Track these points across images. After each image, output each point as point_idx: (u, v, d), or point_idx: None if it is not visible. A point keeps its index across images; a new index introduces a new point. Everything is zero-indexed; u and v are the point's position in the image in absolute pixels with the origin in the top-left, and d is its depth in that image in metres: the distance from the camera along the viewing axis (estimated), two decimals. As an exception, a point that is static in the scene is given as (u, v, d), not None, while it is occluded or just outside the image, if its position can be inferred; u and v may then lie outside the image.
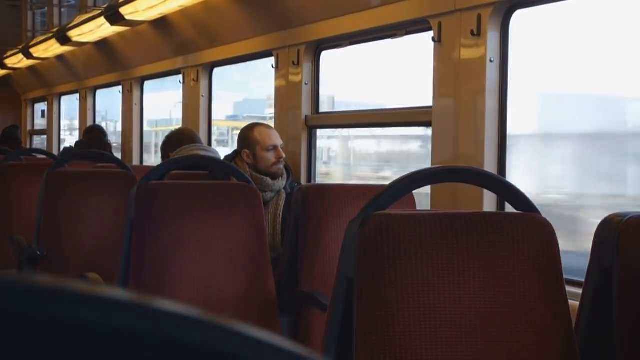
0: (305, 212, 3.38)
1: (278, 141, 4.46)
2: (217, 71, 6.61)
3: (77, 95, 10.14)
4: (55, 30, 9.60)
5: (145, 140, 8.32)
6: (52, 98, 11.44)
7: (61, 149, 10.07)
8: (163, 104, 8.73)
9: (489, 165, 3.63)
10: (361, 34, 4.65)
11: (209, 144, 6.58)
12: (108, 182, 4.45)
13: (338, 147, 6.31)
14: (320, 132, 5.33)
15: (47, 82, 11.56)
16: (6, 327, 0.37)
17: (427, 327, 1.88)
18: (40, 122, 13.10)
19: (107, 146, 7.58)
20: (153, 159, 8.31)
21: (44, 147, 11.54)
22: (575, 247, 3.51)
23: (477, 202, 3.59)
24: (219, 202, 3.29)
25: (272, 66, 5.37)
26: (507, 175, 3.72)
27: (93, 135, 7.80)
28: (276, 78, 5.34)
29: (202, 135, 6.35)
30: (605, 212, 2.11)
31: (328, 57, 5.08)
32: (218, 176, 4.13)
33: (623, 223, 1.97)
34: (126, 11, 6.77)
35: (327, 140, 6.08)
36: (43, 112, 12.66)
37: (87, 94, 9.79)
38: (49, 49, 9.61)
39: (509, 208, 2.20)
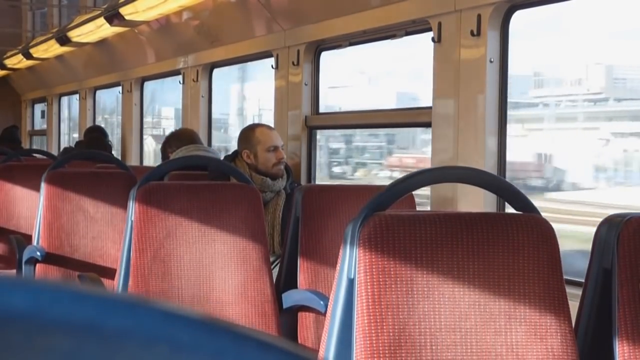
0: (305, 212, 3.38)
1: (279, 142, 4.46)
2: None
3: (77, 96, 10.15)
4: (55, 30, 9.60)
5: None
6: (52, 98, 11.44)
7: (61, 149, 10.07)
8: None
9: (489, 165, 3.63)
10: (361, 34, 4.65)
11: (209, 144, 6.58)
12: (108, 182, 4.45)
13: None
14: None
15: (46, 83, 11.56)
16: (6, 328, 0.37)
17: (427, 327, 1.88)
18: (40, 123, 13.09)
19: (107, 146, 7.59)
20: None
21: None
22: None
23: (477, 202, 3.59)
24: (219, 202, 3.29)
25: (272, 66, 5.37)
26: (507, 175, 3.73)
27: (93, 135, 7.81)
28: (276, 78, 5.34)
29: (202, 135, 6.35)
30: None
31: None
32: (217, 176, 4.13)
33: (623, 223, 1.97)
34: (126, 11, 6.77)
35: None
36: (43, 112, 12.66)
37: (87, 94, 9.79)
38: (49, 50, 9.62)
39: (509, 208, 2.20)
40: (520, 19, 3.61)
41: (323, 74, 5.10)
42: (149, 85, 8.25)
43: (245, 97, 7.84)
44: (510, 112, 3.63)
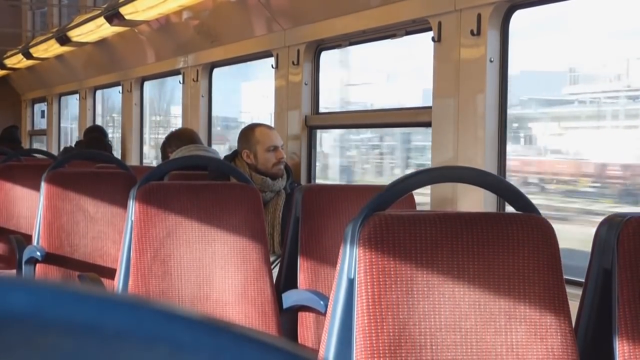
0: (305, 212, 3.38)
1: (278, 142, 4.47)
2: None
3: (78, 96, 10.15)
4: (55, 30, 9.60)
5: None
6: (52, 98, 11.44)
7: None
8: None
9: (489, 165, 3.63)
10: (361, 34, 4.65)
11: (209, 144, 6.58)
12: (108, 182, 4.45)
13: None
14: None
15: (46, 83, 11.56)
16: (6, 328, 0.37)
17: (427, 327, 1.88)
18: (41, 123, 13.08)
19: (107, 146, 7.59)
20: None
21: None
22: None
23: (477, 202, 3.59)
24: (219, 202, 3.29)
25: (272, 66, 5.37)
26: (507, 175, 3.72)
27: (93, 135, 7.81)
28: (276, 78, 5.34)
29: (202, 135, 6.35)
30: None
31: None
32: (217, 176, 4.13)
33: (623, 223, 1.97)
34: (126, 11, 6.78)
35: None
36: (43, 112, 12.65)
37: (87, 94, 9.79)
38: (49, 49, 9.61)
39: (509, 208, 2.20)
40: (551, 11, 3.34)
41: (340, 71, 5.06)
42: (167, 83, 8.23)
43: (263, 95, 7.83)
44: (544, 110, 3.49)
